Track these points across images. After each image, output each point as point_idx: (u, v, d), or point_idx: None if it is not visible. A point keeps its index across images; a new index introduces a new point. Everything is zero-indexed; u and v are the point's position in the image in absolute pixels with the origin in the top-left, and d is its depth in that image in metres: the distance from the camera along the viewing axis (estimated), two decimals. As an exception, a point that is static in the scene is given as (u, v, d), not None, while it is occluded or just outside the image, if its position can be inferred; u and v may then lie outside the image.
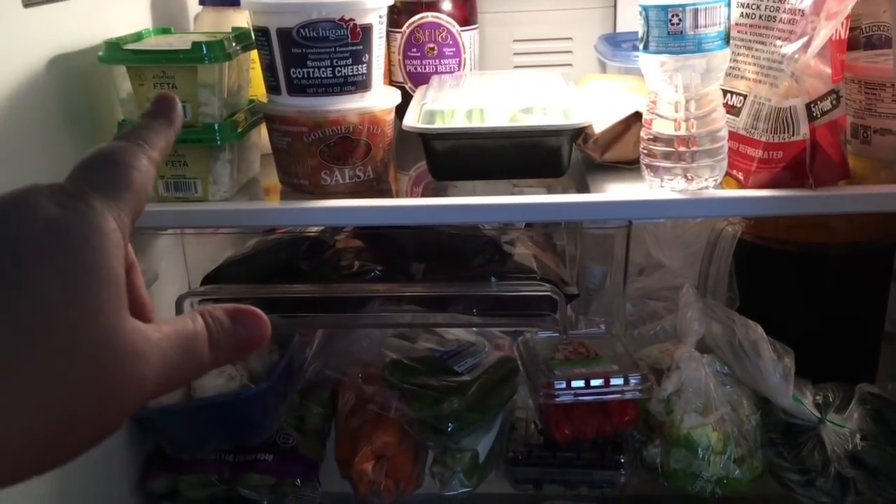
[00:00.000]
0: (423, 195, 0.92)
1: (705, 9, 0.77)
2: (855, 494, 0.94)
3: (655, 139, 0.83)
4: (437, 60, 1.09)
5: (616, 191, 0.88)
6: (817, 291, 1.08)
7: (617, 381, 0.99)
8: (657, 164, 0.84)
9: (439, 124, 0.87)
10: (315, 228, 1.02)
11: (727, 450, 0.98)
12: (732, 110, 0.86)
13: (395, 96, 0.91)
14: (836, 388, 1.02)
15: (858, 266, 1.07)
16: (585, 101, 0.91)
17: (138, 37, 0.90)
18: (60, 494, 0.85)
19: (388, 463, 1.00)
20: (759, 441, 1.00)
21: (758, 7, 0.82)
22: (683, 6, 0.77)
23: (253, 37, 0.87)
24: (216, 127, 0.84)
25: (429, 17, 1.07)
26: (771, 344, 1.00)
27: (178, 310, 0.93)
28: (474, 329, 1.16)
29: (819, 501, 0.96)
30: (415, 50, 1.09)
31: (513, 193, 0.88)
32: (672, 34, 0.78)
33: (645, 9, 0.79)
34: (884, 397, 0.98)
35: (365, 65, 0.85)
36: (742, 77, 0.84)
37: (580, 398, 0.99)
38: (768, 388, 1.00)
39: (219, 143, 0.84)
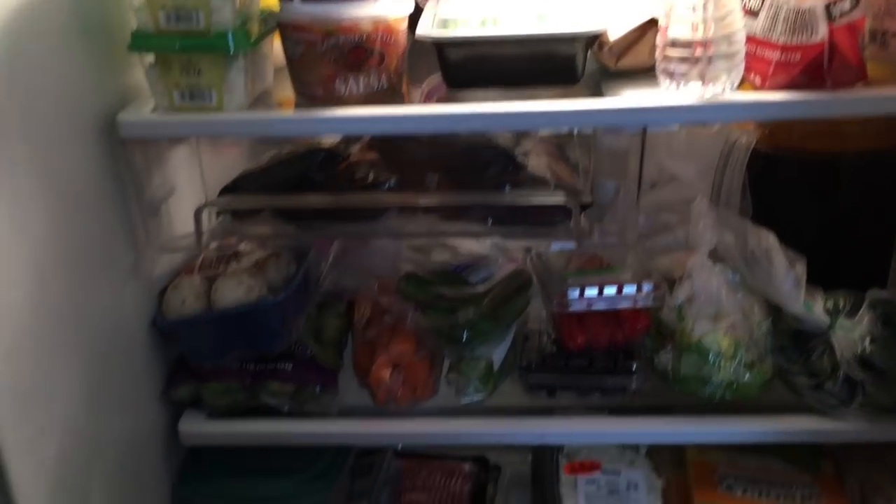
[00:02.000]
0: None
1: None
2: (863, 396, 0.96)
3: (672, 43, 0.83)
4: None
5: (631, 97, 0.88)
6: (830, 200, 1.08)
7: (629, 290, 1.00)
8: (673, 68, 0.83)
9: (453, 32, 0.87)
10: (329, 141, 1.03)
11: (737, 355, 0.99)
12: (750, 14, 0.85)
13: (409, 4, 0.90)
14: (846, 295, 1.04)
15: (872, 174, 1.07)
16: (600, 8, 0.90)
17: (148, -56, 0.89)
18: (90, 402, 0.88)
19: (405, 371, 1.02)
20: (769, 347, 1.02)
21: None
22: None
23: (264, -58, 0.86)
24: (229, 35, 0.84)
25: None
26: (783, 252, 1.01)
27: (197, 221, 0.95)
28: (488, 243, 1.17)
29: (827, 404, 0.98)
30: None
31: (527, 101, 0.88)
32: (691, -68, 0.77)
33: None
34: (894, 302, 0.99)
35: (377, -30, 0.84)
36: (761, -22, 0.83)
37: (593, 307, 1.01)
38: (780, 296, 1.01)
39: (232, 51, 0.84)
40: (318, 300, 1.12)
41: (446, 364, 1.07)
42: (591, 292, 1.00)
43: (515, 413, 1.05)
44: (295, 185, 1.01)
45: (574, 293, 1.00)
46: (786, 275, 1.00)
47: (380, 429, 1.02)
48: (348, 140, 1.05)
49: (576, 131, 1.13)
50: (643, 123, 0.96)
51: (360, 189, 0.99)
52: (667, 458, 1.12)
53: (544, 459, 1.15)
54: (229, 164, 1.06)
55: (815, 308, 1.02)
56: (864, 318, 0.99)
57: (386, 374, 1.01)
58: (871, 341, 0.97)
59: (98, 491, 0.90)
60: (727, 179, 1.11)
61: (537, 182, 1.00)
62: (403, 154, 1.02)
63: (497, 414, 1.04)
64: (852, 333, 0.99)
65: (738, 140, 1.10)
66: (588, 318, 1.03)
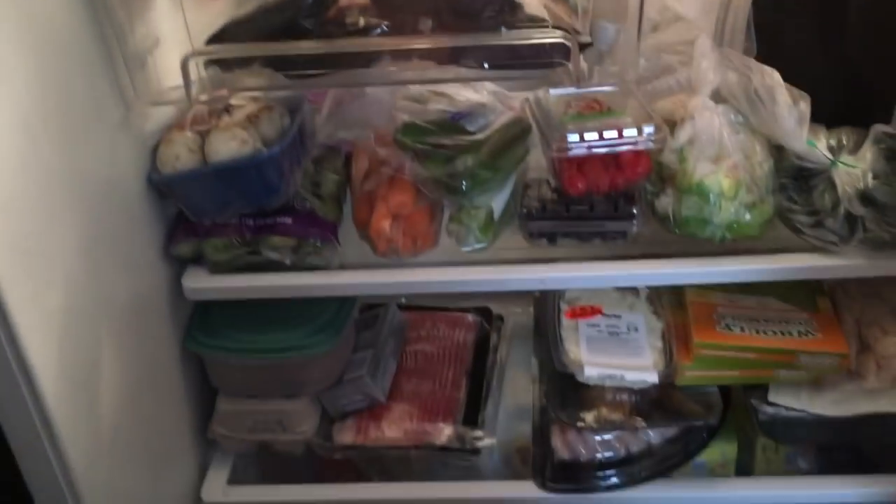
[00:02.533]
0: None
1: None
2: (863, 232, 0.96)
3: None
4: None
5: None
6: (836, 37, 1.04)
7: (630, 132, 0.99)
8: None
9: None
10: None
11: (738, 195, 0.99)
12: None
13: None
14: (850, 132, 1.02)
15: (878, 9, 1.03)
16: None
17: None
18: (90, 258, 0.88)
19: (405, 222, 1.02)
20: (771, 186, 1.01)
21: None
22: None
23: None
24: None
25: None
26: (787, 90, 0.99)
27: (184, 71, 0.92)
28: (486, 91, 1.14)
29: (827, 241, 0.98)
30: None
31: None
32: None
33: None
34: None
35: None
36: None
37: (593, 150, 0.99)
38: (783, 133, 0.99)
39: None
40: (316, 154, 1.11)
41: (447, 215, 1.07)
42: (591, 136, 0.99)
43: (517, 261, 1.06)
44: (283, 33, 0.97)
45: (573, 137, 0.98)
46: (789, 112, 0.99)
47: (381, 279, 1.03)
48: (337, -16, 1.00)
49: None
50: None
51: (350, 34, 0.95)
52: (667, 302, 1.14)
53: (546, 307, 1.17)
54: (214, 13, 1.02)
55: (818, 145, 1.00)
56: (867, 154, 0.98)
57: (385, 224, 1.01)
58: (874, 177, 0.96)
59: (108, 345, 0.92)
60: (731, 17, 1.07)
61: (534, 22, 0.96)
62: (392, -3, 0.97)
63: (499, 263, 1.05)
64: (854, 169, 0.98)
65: (744, -26, 1.05)
66: (588, 163, 1.02)
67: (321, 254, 1.03)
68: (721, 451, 1.15)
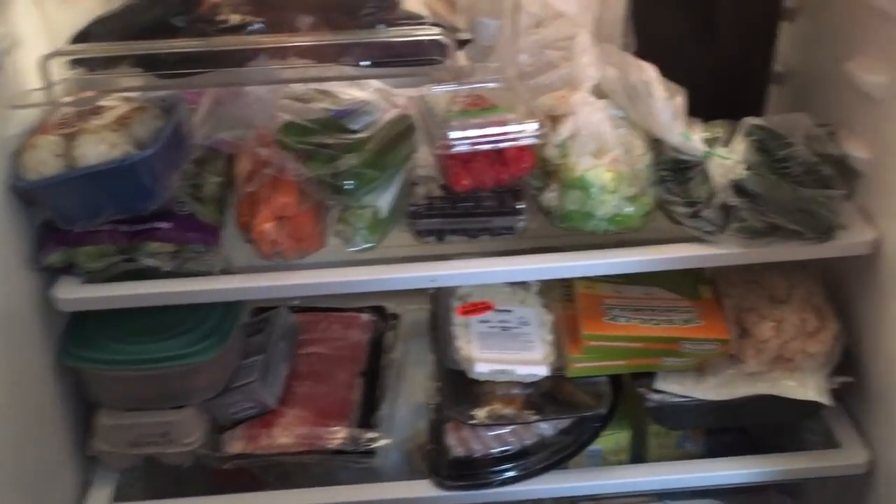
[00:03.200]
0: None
1: None
2: (737, 221, 0.99)
3: None
4: None
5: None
6: (709, 30, 1.07)
7: (513, 128, 0.99)
8: None
9: None
10: (187, -19, 0.95)
11: (619, 188, 1.00)
12: None
13: None
14: (724, 125, 1.05)
15: (747, 4, 1.06)
16: None
17: None
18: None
19: (289, 223, 1.00)
20: (651, 179, 1.03)
21: None
22: None
23: None
24: None
25: None
26: (663, 84, 1.01)
27: (43, 71, 0.87)
28: (372, 88, 1.13)
29: (704, 231, 1.01)
30: None
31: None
32: None
33: None
34: (768, 128, 1.02)
35: None
36: None
37: (477, 146, 0.99)
38: (659, 126, 1.02)
39: None
40: (196, 155, 1.07)
41: (334, 215, 1.05)
42: (474, 132, 0.99)
43: (408, 260, 1.05)
44: (152, 31, 0.93)
45: (456, 134, 0.98)
46: (664, 106, 1.01)
47: (266, 282, 1.00)
48: (209, -20, 0.97)
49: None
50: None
51: (223, 32, 0.93)
52: (558, 295, 1.15)
53: (439, 304, 1.17)
54: (79, 11, 0.98)
55: (692, 137, 1.03)
56: (739, 146, 1.01)
57: (269, 226, 0.98)
58: (746, 168, 1.00)
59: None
60: (608, 13, 1.09)
61: (413, 19, 0.95)
62: (270, -7, 0.95)
63: (389, 262, 1.04)
64: (728, 161, 1.01)
65: (620, -30, 1.07)
66: (473, 159, 1.02)
67: (202, 259, 0.99)
68: (615, 438, 1.18)
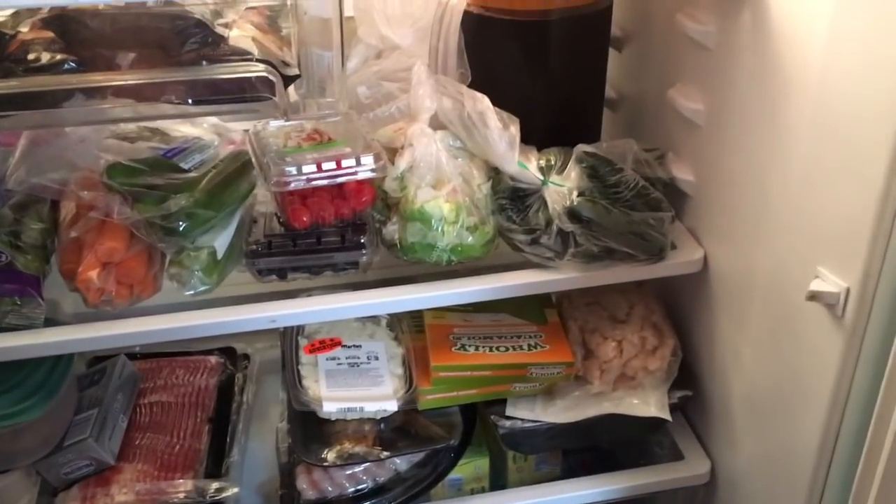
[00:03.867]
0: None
1: None
2: (575, 246, 1.01)
3: None
4: None
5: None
6: (541, 59, 1.10)
7: (348, 163, 0.98)
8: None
9: None
10: (-9, 18, 0.89)
11: (460, 219, 1.01)
12: None
13: None
14: (558, 152, 1.08)
15: (577, 31, 1.10)
16: None
17: None
18: None
19: (118, 269, 0.95)
20: (490, 208, 1.04)
21: None
22: None
23: None
24: None
25: None
26: (497, 114, 1.03)
27: None
28: (206, 125, 1.10)
29: (544, 257, 1.02)
30: None
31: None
32: None
33: None
34: (598, 154, 1.05)
35: None
36: None
37: (313, 182, 0.98)
38: (496, 156, 1.03)
39: None
40: (16, 201, 1.00)
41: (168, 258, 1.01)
42: (309, 168, 0.97)
43: (250, 300, 1.02)
44: (-45, 72, 0.87)
45: (291, 169, 0.96)
46: (500, 136, 1.02)
47: (92, 333, 0.94)
48: (16, 16, 0.92)
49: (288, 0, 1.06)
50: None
51: (34, 71, 0.87)
52: (407, 327, 1.14)
53: (287, 343, 1.14)
54: None
55: (529, 166, 1.05)
56: (572, 173, 1.04)
57: (93, 274, 0.93)
58: (579, 194, 1.02)
59: None
60: (443, 43, 1.10)
61: (239, 55, 0.93)
62: (84, 30, 0.91)
63: (230, 303, 1.01)
64: (562, 188, 1.03)
65: (450, 2, 1.08)
66: (312, 195, 1.00)
67: (22, 311, 0.93)
68: (474, 466, 1.18)
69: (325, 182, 0.98)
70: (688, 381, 1.13)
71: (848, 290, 0.79)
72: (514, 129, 1.03)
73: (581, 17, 1.08)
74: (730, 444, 1.10)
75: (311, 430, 1.06)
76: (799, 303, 0.85)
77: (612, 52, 1.20)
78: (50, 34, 0.92)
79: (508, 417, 1.09)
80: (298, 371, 1.06)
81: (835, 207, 0.80)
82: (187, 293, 0.98)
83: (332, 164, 0.98)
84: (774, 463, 1.00)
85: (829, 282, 0.81)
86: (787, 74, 0.85)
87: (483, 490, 1.20)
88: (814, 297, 0.82)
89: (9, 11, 0.92)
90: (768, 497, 1.02)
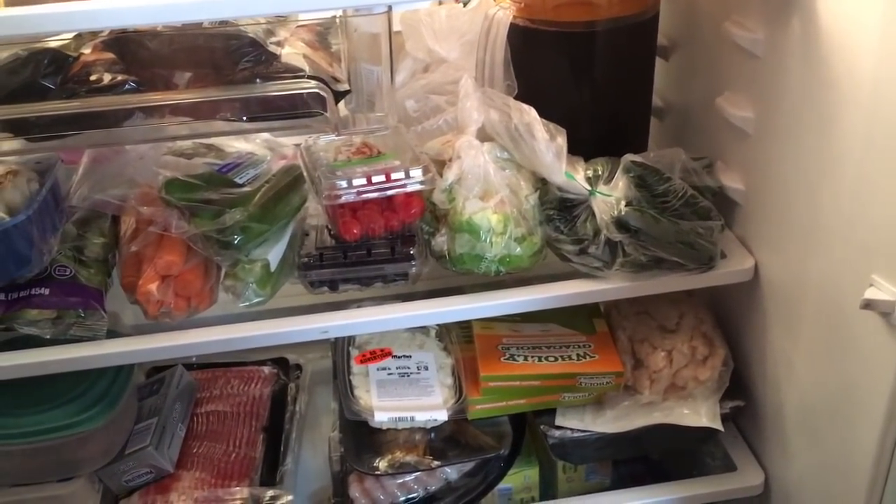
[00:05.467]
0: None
1: None
2: (623, 256, 1.01)
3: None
4: None
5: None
6: (587, 69, 1.10)
7: (398, 175, 1.00)
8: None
9: None
10: (56, 40, 0.93)
11: (507, 230, 1.02)
12: None
13: None
14: (605, 162, 1.08)
15: (624, 41, 1.10)
16: None
17: None
18: None
19: (176, 282, 0.98)
20: (538, 219, 1.05)
21: None
22: None
23: None
24: None
25: None
26: (544, 125, 1.04)
27: None
28: (258, 140, 1.12)
29: (592, 266, 1.03)
30: None
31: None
32: None
33: None
34: (646, 164, 1.05)
35: None
36: None
37: (364, 195, 1.00)
38: (543, 167, 1.04)
39: None
40: (77, 216, 1.04)
41: (224, 270, 1.03)
42: (360, 181, 0.99)
43: (303, 311, 1.04)
44: (23, 94, 0.91)
45: (342, 183, 0.99)
46: (547, 147, 1.03)
47: (153, 344, 0.97)
48: (79, 39, 0.96)
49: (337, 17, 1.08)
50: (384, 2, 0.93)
51: (96, 92, 0.91)
52: (456, 337, 1.16)
53: (338, 354, 1.16)
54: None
55: (576, 177, 1.06)
56: (620, 183, 1.04)
57: (153, 287, 0.96)
58: (626, 204, 1.02)
59: None
60: (489, 57, 1.11)
61: (291, 73, 0.95)
62: (143, 51, 0.94)
63: (283, 314, 1.03)
64: (610, 198, 1.04)
65: (496, 15, 1.09)
66: (363, 208, 1.02)
67: (85, 324, 0.96)
68: (524, 476, 1.18)
69: (374, 195, 1.00)
70: (739, 391, 1.12)
71: (904, 300, 0.79)
72: (561, 140, 1.04)
73: (627, 27, 1.08)
74: (783, 455, 1.08)
75: (362, 439, 1.07)
76: (853, 312, 0.84)
77: (658, 62, 1.20)
78: (111, 56, 0.95)
79: (558, 427, 1.09)
80: (350, 381, 1.08)
81: (887, 215, 0.79)
82: (242, 305, 1.01)
83: (382, 177, 1.00)
84: (829, 475, 0.98)
85: (883, 290, 0.80)
86: (837, 82, 0.85)
87: (533, 500, 1.20)
88: (868, 305, 0.81)
89: (71, 34, 0.95)
90: (824, 509, 1.01)
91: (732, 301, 1.14)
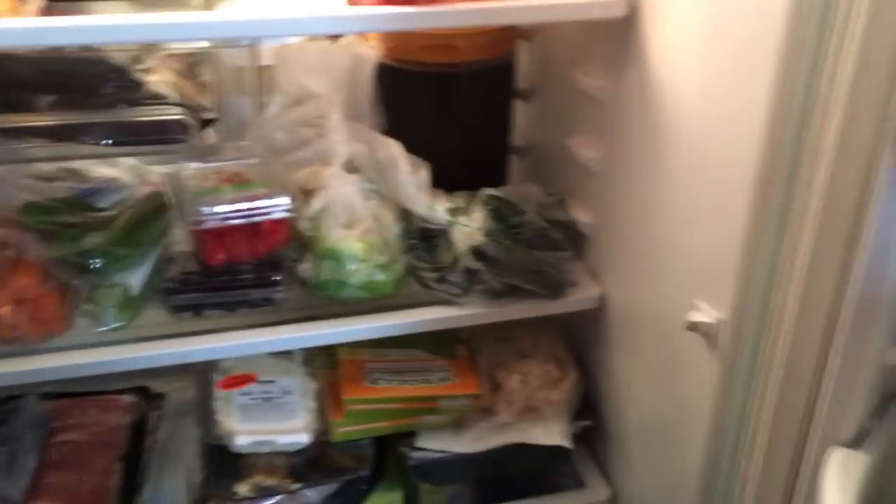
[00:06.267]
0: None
1: None
2: (480, 283, 1.07)
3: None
4: None
5: (241, 10, 0.88)
6: (449, 109, 1.17)
7: (264, 202, 1.02)
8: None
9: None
10: None
11: (371, 257, 1.06)
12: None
13: None
14: (466, 196, 1.14)
15: (484, 83, 1.18)
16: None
17: None
18: None
19: (31, 305, 0.96)
20: (401, 247, 1.10)
21: None
22: None
23: None
24: None
25: None
26: (407, 159, 1.09)
27: None
28: (124, 166, 1.12)
29: (451, 293, 1.08)
30: None
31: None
32: None
33: None
34: (502, 198, 1.11)
35: None
36: None
37: (230, 221, 1.01)
38: (406, 198, 1.09)
39: None
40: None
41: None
42: (225, 207, 1.01)
43: (167, 337, 1.04)
44: None
45: (208, 209, 1.00)
46: (409, 179, 1.08)
47: (3, 369, 0.95)
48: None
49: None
50: (254, 35, 0.96)
51: (-50, 112, 0.90)
52: (321, 363, 1.18)
53: (202, 380, 1.16)
54: None
55: (437, 208, 1.11)
56: (478, 215, 1.10)
57: (6, 311, 0.94)
58: (484, 234, 1.08)
59: None
60: (357, 93, 1.16)
61: (157, 99, 0.97)
62: (3, 75, 0.93)
63: (148, 340, 1.03)
64: (468, 228, 1.09)
65: (365, 54, 1.14)
66: (228, 234, 1.04)
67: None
68: (388, 499, 1.21)
69: (240, 221, 1.02)
70: (589, 412, 1.19)
71: (721, 321, 0.87)
72: (424, 173, 1.10)
73: (486, 70, 1.16)
74: (628, 471, 1.16)
75: (223, 465, 1.08)
76: (680, 334, 0.92)
77: (521, 104, 1.29)
78: (-33, 76, 0.94)
79: (418, 449, 1.13)
80: (211, 405, 1.08)
81: (708, 244, 0.88)
82: (100, 329, 1.00)
83: (248, 204, 1.02)
84: (667, 488, 1.06)
85: (705, 313, 0.89)
86: (666, 124, 0.94)
87: (396, 526, 1.23)
88: (693, 327, 0.90)
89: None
90: (665, 522, 1.08)
91: (584, 327, 1.21)
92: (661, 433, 1.05)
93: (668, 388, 1.01)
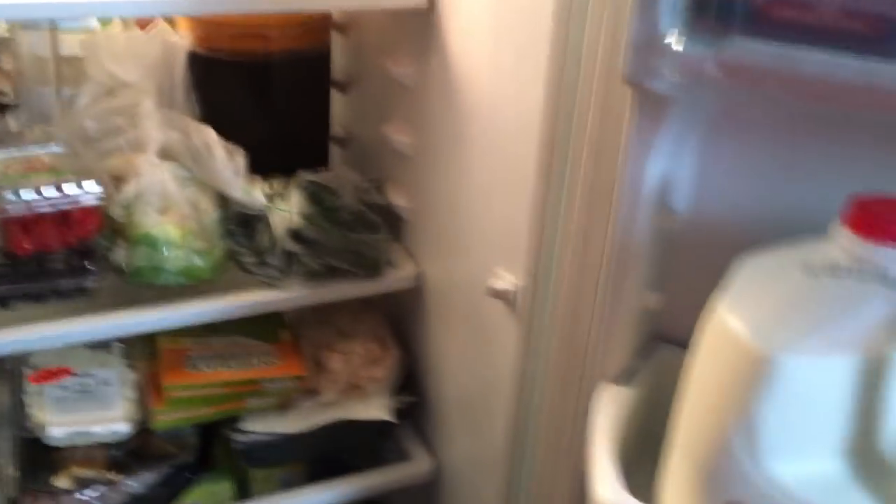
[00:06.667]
0: None
1: None
2: (298, 265, 1.10)
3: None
4: None
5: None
6: (263, 97, 1.19)
7: (71, 189, 1.01)
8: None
9: None
10: None
11: (188, 242, 1.06)
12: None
13: None
14: (283, 181, 1.17)
15: (297, 73, 1.21)
16: None
17: None
18: None
19: None
20: (219, 232, 1.11)
21: None
22: None
23: None
24: None
25: None
26: (223, 145, 1.10)
27: None
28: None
29: (271, 276, 1.11)
30: None
31: None
32: None
33: None
34: (319, 182, 1.15)
35: None
36: None
37: (35, 209, 0.99)
38: (222, 184, 1.10)
39: None
40: None
41: None
42: (30, 195, 0.99)
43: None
44: None
45: (10, 196, 0.98)
46: (225, 166, 1.10)
47: None
48: None
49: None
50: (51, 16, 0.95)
51: None
52: (140, 353, 1.16)
53: (13, 376, 1.12)
54: None
55: (253, 193, 1.13)
56: (295, 199, 1.13)
57: None
58: (302, 217, 1.12)
59: None
60: (169, 80, 1.16)
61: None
62: None
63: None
64: (286, 212, 1.12)
65: (175, 42, 1.15)
66: (36, 223, 1.01)
67: None
68: (216, 489, 1.21)
69: (48, 209, 1.00)
70: (413, 387, 1.25)
71: (518, 286, 0.94)
72: (239, 160, 1.11)
73: (298, 59, 1.19)
74: (450, 443, 1.22)
75: (38, 458, 1.05)
76: (487, 303, 0.99)
77: (340, 95, 1.33)
78: None
79: (244, 432, 1.14)
80: (23, 400, 1.05)
81: (504, 215, 0.96)
82: None
83: (54, 191, 1.00)
84: (483, 456, 1.12)
85: (504, 280, 0.96)
86: (466, 106, 1.01)
87: (226, 513, 1.23)
88: (494, 293, 0.97)
89: None
90: (483, 490, 1.14)
91: (404, 306, 1.26)
92: (474, 403, 1.11)
93: (477, 358, 1.07)
